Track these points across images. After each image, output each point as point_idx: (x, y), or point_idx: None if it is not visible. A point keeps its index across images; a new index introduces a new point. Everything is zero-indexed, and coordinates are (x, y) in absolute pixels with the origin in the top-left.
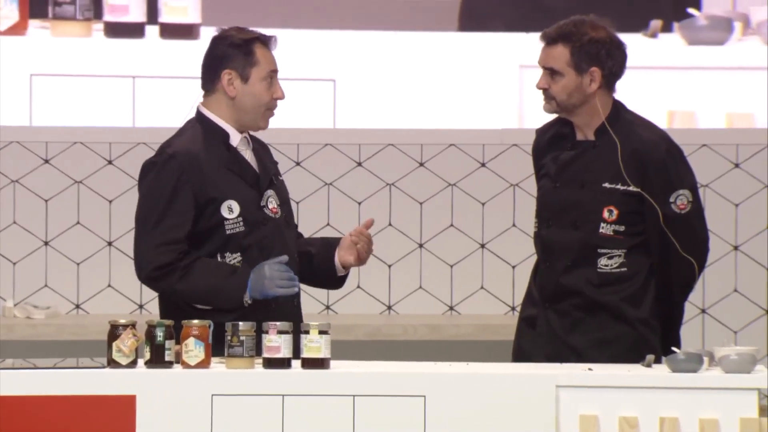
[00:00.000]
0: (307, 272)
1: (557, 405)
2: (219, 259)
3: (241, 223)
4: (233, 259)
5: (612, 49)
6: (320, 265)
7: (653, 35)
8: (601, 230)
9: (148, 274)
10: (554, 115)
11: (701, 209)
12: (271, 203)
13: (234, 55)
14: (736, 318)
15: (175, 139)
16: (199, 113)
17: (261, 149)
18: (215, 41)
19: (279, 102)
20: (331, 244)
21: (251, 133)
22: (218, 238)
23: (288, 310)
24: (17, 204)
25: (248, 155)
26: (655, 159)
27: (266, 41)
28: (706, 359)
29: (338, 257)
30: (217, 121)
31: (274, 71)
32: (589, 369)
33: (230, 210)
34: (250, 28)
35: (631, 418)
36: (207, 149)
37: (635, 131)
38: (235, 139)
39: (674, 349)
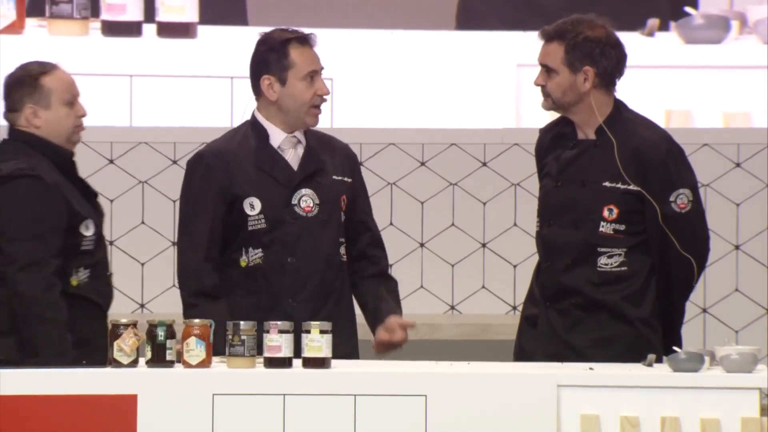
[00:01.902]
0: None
1: (558, 404)
2: (243, 254)
3: (263, 220)
4: (255, 254)
5: (607, 48)
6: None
7: (650, 34)
8: (601, 229)
9: (187, 291)
10: (552, 114)
11: (702, 208)
12: (305, 202)
13: (270, 59)
14: (737, 317)
15: (216, 140)
16: (252, 115)
17: (321, 147)
18: (256, 46)
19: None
20: (380, 312)
21: (318, 130)
22: (243, 234)
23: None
24: None
25: (291, 154)
26: (655, 158)
27: (303, 40)
28: (707, 359)
29: (378, 334)
30: (263, 122)
31: (315, 70)
32: (590, 368)
33: (252, 207)
34: (292, 28)
35: (632, 417)
36: (242, 148)
37: (636, 130)
38: (278, 138)
39: (675, 348)
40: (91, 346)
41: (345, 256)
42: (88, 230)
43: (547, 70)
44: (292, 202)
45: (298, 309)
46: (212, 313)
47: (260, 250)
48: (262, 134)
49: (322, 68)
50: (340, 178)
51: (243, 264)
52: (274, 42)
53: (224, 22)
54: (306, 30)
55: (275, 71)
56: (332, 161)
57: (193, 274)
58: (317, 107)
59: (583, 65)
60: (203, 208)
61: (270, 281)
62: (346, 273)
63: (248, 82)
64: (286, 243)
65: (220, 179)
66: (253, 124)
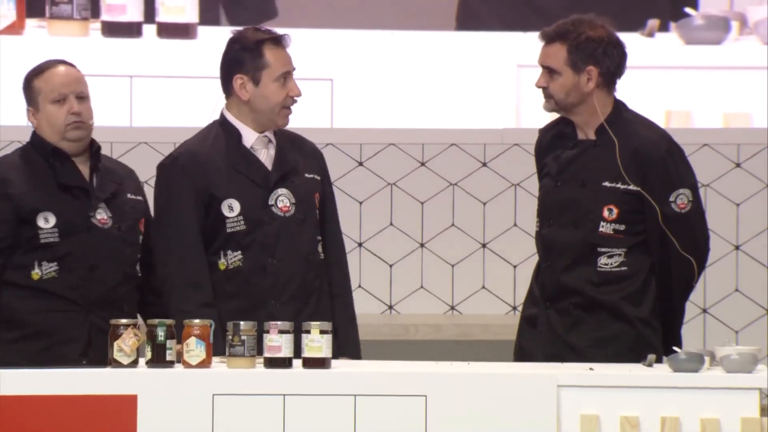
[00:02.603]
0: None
1: (558, 405)
2: (221, 257)
3: (242, 222)
4: (234, 257)
5: (609, 48)
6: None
7: (650, 35)
8: (601, 229)
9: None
10: (552, 114)
11: (701, 208)
12: (282, 202)
13: (244, 58)
14: (737, 318)
15: (188, 141)
16: (221, 115)
17: (291, 147)
18: (228, 45)
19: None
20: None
21: (288, 129)
22: (221, 237)
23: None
24: None
25: (264, 154)
26: (655, 158)
27: (278, 41)
28: (707, 359)
29: None
30: (234, 122)
31: (288, 71)
32: (590, 369)
33: (230, 208)
34: (266, 28)
35: (633, 417)
36: (216, 149)
37: (636, 130)
38: (250, 138)
39: (675, 348)
40: (56, 338)
41: (323, 254)
42: (47, 222)
43: (549, 71)
44: (270, 203)
45: (281, 310)
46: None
47: (239, 252)
48: (234, 134)
49: (294, 69)
50: (311, 176)
51: (222, 267)
52: (249, 41)
53: (225, 22)
54: (303, 30)
55: (249, 71)
56: (302, 159)
57: (191, 280)
58: (288, 108)
59: (587, 65)
60: (184, 210)
61: (251, 283)
62: (324, 271)
63: None
64: (266, 244)
65: (197, 181)
66: (223, 124)
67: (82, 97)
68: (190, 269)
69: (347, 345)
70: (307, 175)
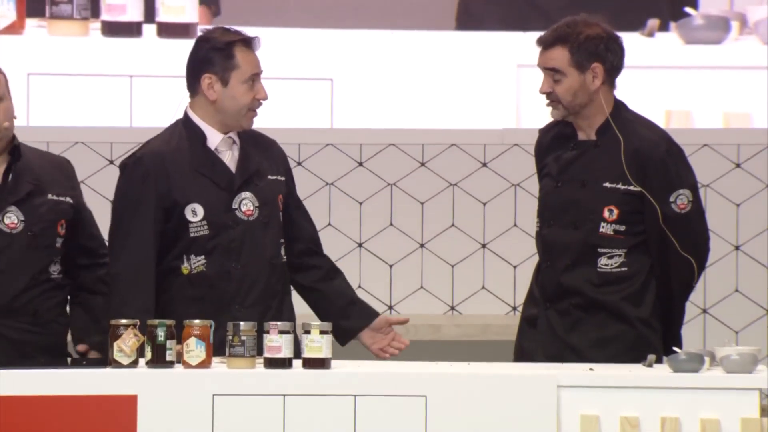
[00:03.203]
0: (314, 307)
1: (558, 405)
2: (185, 261)
3: (206, 226)
4: (197, 261)
5: (610, 43)
6: (333, 319)
7: (650, 34)
8: (601, 230)
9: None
10: (551, 114)
11: (701, 209)
12: (246, 205)
13: (214, 58)
14: (737, 318)
15: (152, 141)
16: (185, 114)
17: (255, 147)
18: (197, 43)
19: (266, 102)
20: (362, 314)
21: (257, 130)
22: (184, 241)
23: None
24: None
25: (228, 156)
26: (655, 158)
27: (248, 43)
28: (707, 359)
29: (366, 336)
30: (198, 122)
31: (256, 74)
32: (590, 369)
33: (194, 213)
34: (235, 29)
35: (633, 418)
36: (180, 151)
37: (636, 130)
38: (215, 140)
39: (675, 349)
40: None
41: (285, 257)
42: None
43: (552, 74)
44: (233, 207)
45: (245, 314)
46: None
47: (203, 257)
48: (198, 135)
49: (262, 71)
50: (275, 177)
51: (185, 271)
52: (219, 42)
53: (224, 22)
54: (303, 29)
55: (218, 71)
56: (266, 160)
57: (132, 281)
58: (254, 111)
59: (591, 63)
60: (143, 213)
61: (215, 288)
62: (286, 273)
63: None
64: (230, 249)
65: (160, 185)
66: (186, 124)
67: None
68: (137, 274)
69: (371, 311)
70: (270, 176)
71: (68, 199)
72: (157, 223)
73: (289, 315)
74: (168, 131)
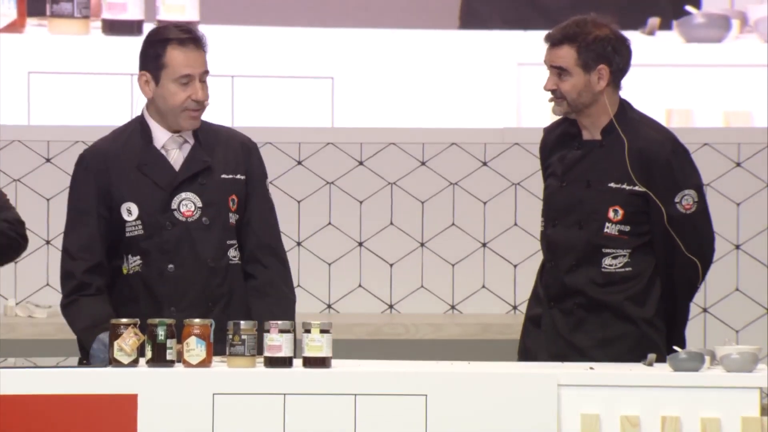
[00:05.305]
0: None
1: (559, 404)
2: (124, 261)
3: (140, 226)
4: (134, 261)
5: (618, 45)
6: None
7: (651, 33)
8: (606, 230)
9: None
10: (551, 114)
11: (707, 209)
12: (186, 206)
13: (148, 55)
14: (737, 317)
15: (105, 137)
16: (142, 110)
17: (213, 145)
18: (145, 38)
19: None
20: None
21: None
22: (122, 240)
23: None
24: (19, 203)
25: (174, 154)
26: (660, 159)
27: (185, 42)
28: (707, 358)
29: None
30: (149, 120)
31: (189, 74)
32: (591, 368)
33: (129, 212)
34: (185, 26)
35: (633, 417)
36: (127, 148)
37: (641, 130)
38: (161, 138)
39: (676, 348)
40: None
41: (237, 258)
42: None
43: (558, 72)
44: (172, 207)
45: (181, 317)
46: (91, 310)
47: (139, 257)
48: (147, 133)
49: (207, 71)
50: (230, 176)
51: (125, 271)
52: (154, 38)
53: (224, 21)
54: (303, 28)
55: (151, 69)
56: (223, 158)
57: (77, 277)
58: (190, 111)
59: (597, 64)
60: (85, 209)
61: (149, 289)
62: (238, 275)
63: (248, 81)
64: (165, 250)
65: (100, 182)
66: (140, 122)
67: None
68: (72, 267)
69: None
70: (224, 175)
71: None
72: (103, 218)
73: (238, 317)
74: (122, 128)
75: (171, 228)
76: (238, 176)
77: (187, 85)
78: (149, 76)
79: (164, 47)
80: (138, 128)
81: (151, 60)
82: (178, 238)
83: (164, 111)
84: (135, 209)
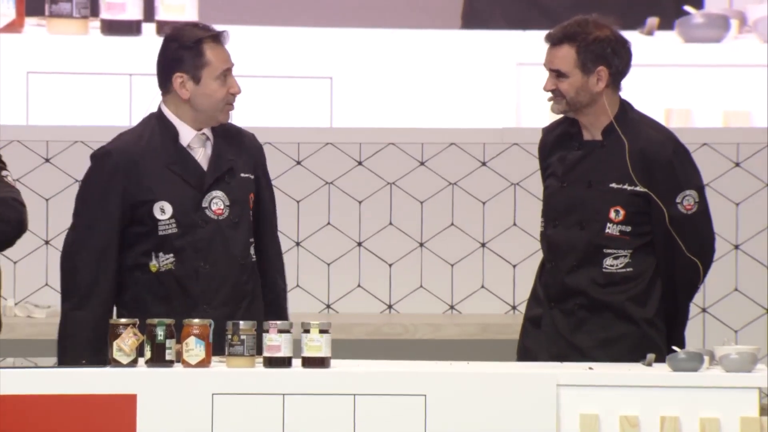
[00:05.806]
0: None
1: (558, 404)
2: (153, 259)
3: (174, 225)
4: (166, 259)
5: (618, 47)
6: None
7: (650, 33)
8: (607, 230)
9: (65, 284)
10: (551, 114)
11: (708, 210)
12: (216, 204)
13: (184, 57)
14: (736, 317)
15: (124, 135)
16: (158, 109)
17: (229, 143)
18: (165, 42)
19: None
20: None
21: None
22: (153, 238)
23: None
24: None
25: (200, 153)
26: (661, 159)
27: (217, 38)
28: (706, 358)
29: None
30: (172, 118)
31: (228, 69)
32: (590, 368)
33: (162, 211)
34: (203, 24)
35: (632, 417)
36: (151, 147)
37: (642, 131)
38: (187, 137)
39: (675, 348)
40: None
41: (255, 256)
42: None
43: (557, 74)
44: (203, 205)
45: (213, 314)
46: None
47: (172, 255)
48: (171, 131)
49: (233, 65)
50: (247, 175)
51: (153, 269)
52: (188, 39)
53: (224, 21)
54: (302, 28)
55: (189, 69)
56: (240, 158)
57: (77, 281)
58: (230, 105)
59: (596, 66)
60: (105, 207)
61: (183, 287)
62: (257, 273)
63: (247, 80)
64: (199, 248)
65: (128, 181)
66: (160, 120)
67: None
68: (81, 272)
69: None
70: (242, 174)
71: None
72: (120, 219)
73: (258, 316)
74: (140, 126)
75: (204, 226)
76: (251, 175)
77: (225, 79)
78: (186, 77)
79: (201, 46)
80: (158, 126)
81: (189, 60)
82: (211, 236)
83: (204, 108)
84: (169, 208)
